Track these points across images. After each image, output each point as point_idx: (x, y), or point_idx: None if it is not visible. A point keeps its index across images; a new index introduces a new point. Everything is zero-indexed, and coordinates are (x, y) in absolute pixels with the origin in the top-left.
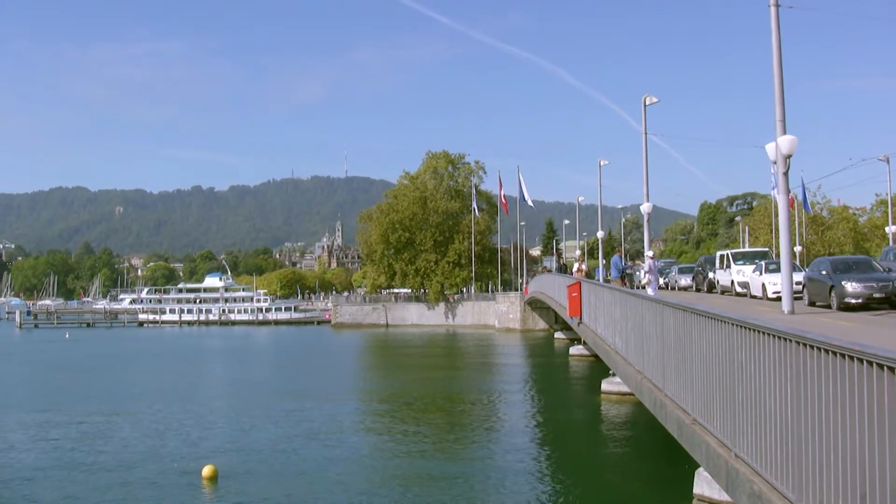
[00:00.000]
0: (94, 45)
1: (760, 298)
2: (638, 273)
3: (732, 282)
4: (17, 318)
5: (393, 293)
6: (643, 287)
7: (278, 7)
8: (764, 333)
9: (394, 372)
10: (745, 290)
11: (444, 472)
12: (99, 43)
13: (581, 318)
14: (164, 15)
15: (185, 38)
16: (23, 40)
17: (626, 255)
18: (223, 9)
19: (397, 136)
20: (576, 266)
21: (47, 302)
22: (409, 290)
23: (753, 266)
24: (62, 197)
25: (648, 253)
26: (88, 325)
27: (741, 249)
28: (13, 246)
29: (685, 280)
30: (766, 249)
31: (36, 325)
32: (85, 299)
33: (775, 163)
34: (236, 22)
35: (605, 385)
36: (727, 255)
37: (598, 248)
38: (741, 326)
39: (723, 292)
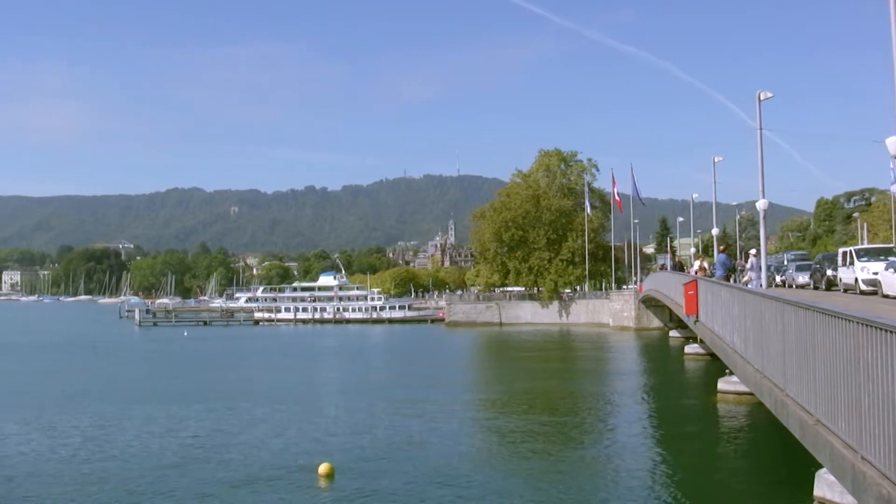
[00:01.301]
0: (208, 49)
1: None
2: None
3: (856, 279)
4: (137, 317)
5: (506, 291)
6: (745, 285)
7: (388, 8)
8: (892, 332)
9: (508, 370)
10: (871, 288)
11: (557, 470)
12: (213, 47)
13: (697, 317)
14: (275, 18)
15: (297, 41)
16: (140, 45)
17: (740, 253)
18: (334, 11)
19: (509, 133)
20: (696, 264)
21: (165, 300)
22: (523, 289)
23: (885, 263)
24: (179, 198)
25: (752, 251)
26: (205, 323)
27: (864, 246)
28: (132, 246)
29: (803, 278)
30: (892, 246)
31: (154, 324)
32: (201, 298)
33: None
34: (347, 23)
35: (722, 384)
36: (850, 251)
37: (712, 246)
38: (867, 325)
39: (845, 290)
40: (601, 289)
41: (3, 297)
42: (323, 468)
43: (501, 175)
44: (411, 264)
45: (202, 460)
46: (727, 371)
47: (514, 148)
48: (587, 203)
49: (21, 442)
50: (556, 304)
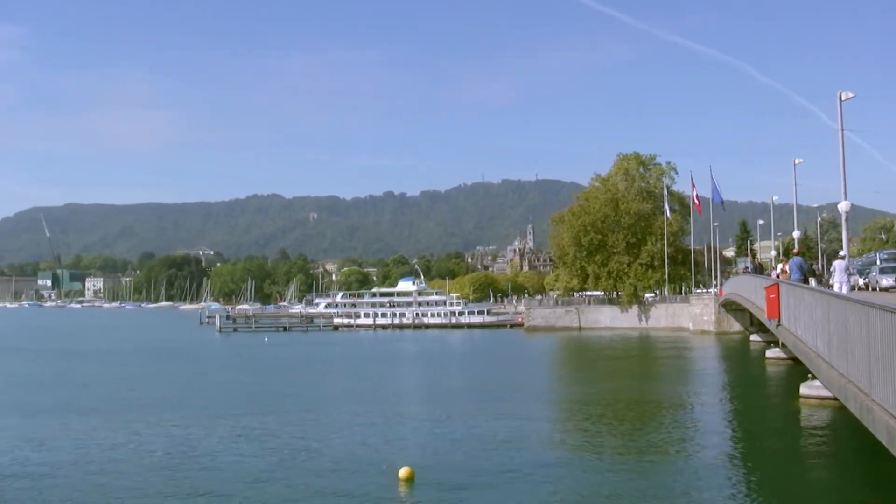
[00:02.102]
0: (287, 57)
1: None
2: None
3: None
4: (217, 323)
5: (585, 296)
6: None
7: (463, 13)
8: None
9: (587, 375)
10: None
11: (639, 470)
12: (292, 55)
13: (779, 320)
14: (352, 25)
15: (373, 48)
16: (219, 52)
17: (822, 256)
18: (410, 17)
19: (586, 137)
20: (778, 267)
21: (245, 306)
22: (602, 293)
23: None
24: (258, 204)
25: (841, 253)
26: (285, 329)
27: None
28: (212, 252)
29: (887, 280)
30: None
31: (235, 330)
32: (281, 304)
33: None
34: (423, 29)
35: (804, 389)
36: None
37: (793, 248)
38: None
39: None
40: (681, 292)
41: (86, 304)
42: (403, 472)
43: (580, 179)
44: (490, 269)
45: (285, 465)
46: (809, 375)
47: (592, 151)
48: (666, 206)
49: (109, 447)
50: (635, 308)
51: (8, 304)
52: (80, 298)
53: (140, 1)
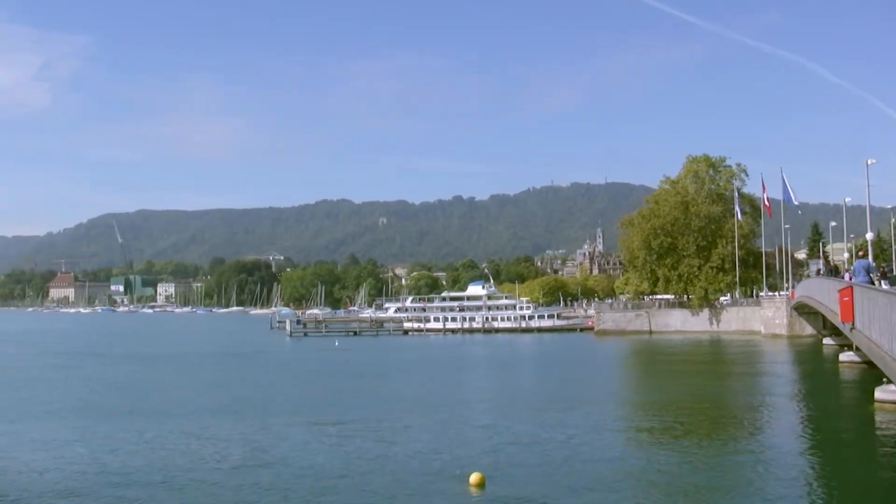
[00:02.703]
0: (356, 62)
1: None
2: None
3: None
4: (288, 327)
5: (655, 299)
6: None
7: (531, 16)
8: None
9: (659, 379)
10: None
11: (711, 477)
12: (361, 60)
13: (853, 324)
14: (418, 30)
15: (441, 52)
16: (289, 59)
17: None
18: (476, 20)
19: (655, 140)
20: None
21: (315, 311)
22: (672, 296)
23: None
24: (328, 209)
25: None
26: (355, 333)
27: None
28: (282, 257)
29: None
30: None
31: (305, 334)
32: (351, 308)
33: None
34: (490, 33)
35: (879, 393)
36: None
37: (861, 251)
38: None
39: None
40: (752, 296)
41: (158, 309)
42: (474, 477)
43: (649, 182)
44: (559, 273)
45: (356, 469)
46: (885, 380)
47: (661, 154)
48: (737, 209)
49: (184, 451)
50: (706, 311)
51: (82, 310)
52: (152, 304)
53: (207, 8)
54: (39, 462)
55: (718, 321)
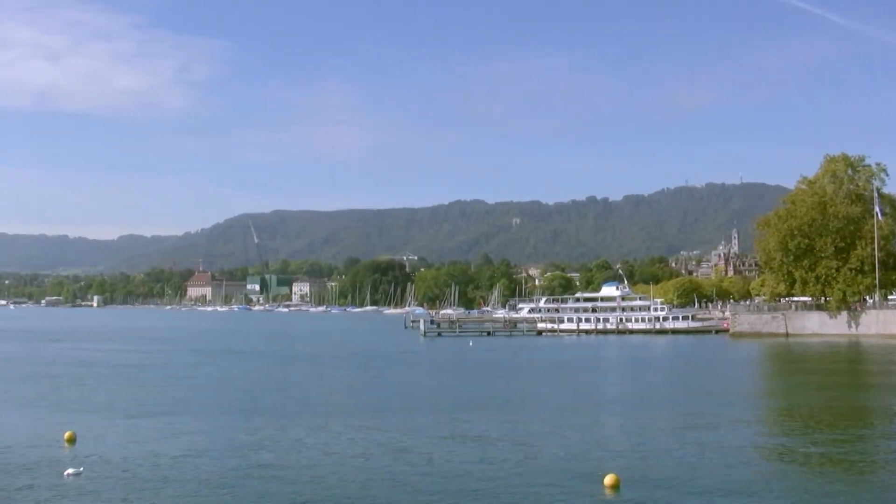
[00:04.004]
0: (486, 63)
1: None
2: None
3: None
4: (422, 327)
5: (792, 301)
6: None
7: (663, 16)
8: None
9: (796, 383)
10: None
11: (850, 485)
12: (492, 61)
13: None
14: (552, 31)
15: (573, 53)
16: (421, 61)
17: None
18: (610, 22)
19: (792, 139)
20: None
21: (449, 311)
22: (809, 298)
23: None
24: (461, 210)
25: None
26: (489, 333)
27: None
28: (416, 257)
29: None
30: None
31: (439, 334)
32: (484, 309)
33: None
34: (622, 34)
35: None
36: None
37: None
38: None
39: None
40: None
41: (293, 308)
42: (609, 479)
43: (786, 182)
44: (694, 274)
45: (492, 469)
46: None
47: (797, 154)
48: (877, 209)
49: (328, 450)
50: (844, 314)
51: (219, 308)
52: (288, 303)
53: (340, 11)
54: (189, 457)
55: (857, 324)
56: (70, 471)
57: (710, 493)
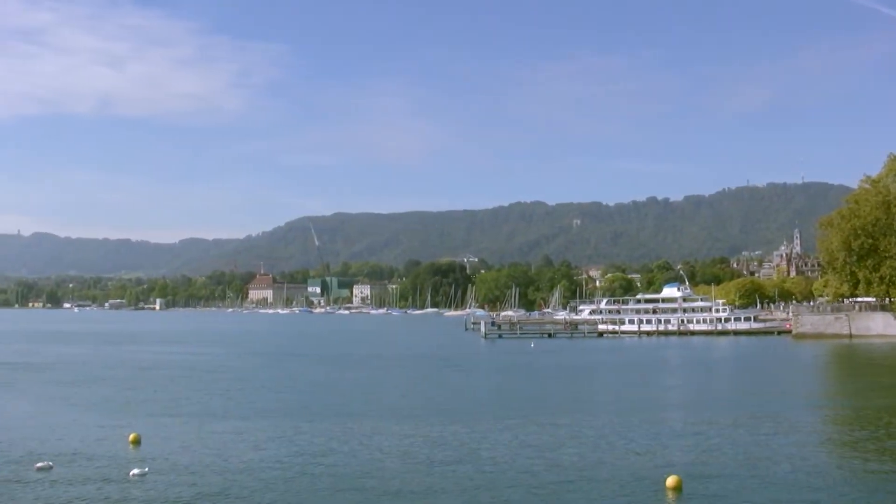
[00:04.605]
0: (545, 65)
1: None
2: None
3: None
4: (482, 329)
5: (856, 302)
6: None
7: (720, 16)
8: None
9: (860, 386)
10: None
11: None
12: (543, 62)
13: None
14: (607, 32)
15: (629, 54)
16: (479, 63)
17: None
18: (667, 22)
19: (854, 137)
20: None
21: (509, 313)
22: (874, 299)
23: None
24: (521, 211)
25: None
26: (549, 335)
27: None
28: (476, 259)
29: None
30: None
31: (500, 336)
32: (545, 310)
33: None
34: (682, 34)
35: None
36: None
37: None
38: None
39: None
40: None
41: (353, 310)
42: (671, 481)
43: (848, 181)
44: (756, 275)
45: (554, 468)
46: None
47: (860, 152)
48: None
49: (395, 452)
50: None
51: (280, 311)
52: (348, 305)
53: (396, 15)
54: (254, 459)
55: None
56: (135, 471)
57: (774, 495)
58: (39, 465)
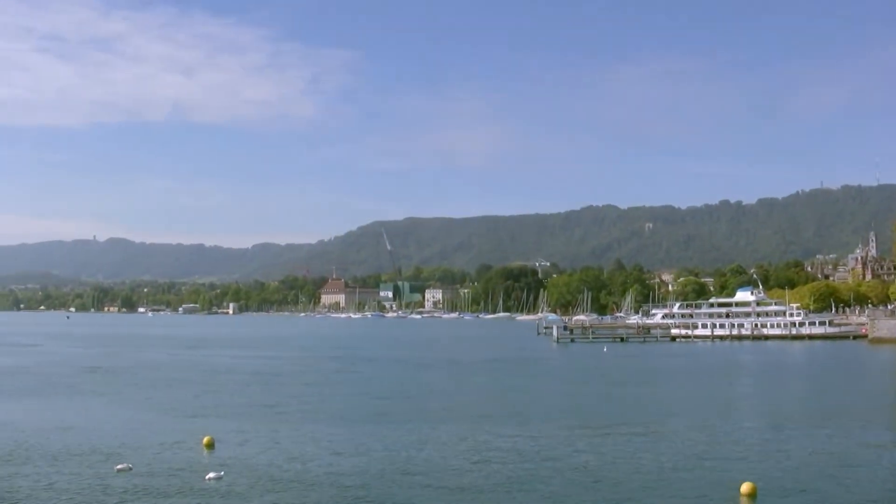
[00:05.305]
0: (610, 67)
1: None
2: None
3: None
4: (554, 333)
5: None
6: None
7: (790, 17)
8: None
9: None
10: None
11: None
12: (614, 64)
13: None
14: (680, 33)
15: (702, 56)
16: (549, 67)
17: None
18: (737, 25)
19: None
20: None
21: (582, 317)
22: None
23: None
24: (593, 215)
25: None
26: (622, 339)
27: None
28: (548, 263)
29: None
30: None
31: (572, 340)
32: (618, 314)
33: None
34: (751, 34)
35: None
36: None
37: None
38: None
39: None
40: None
41: (426, 315)
42: (746, 487)
43: None
44: (831, 278)
45: (623, 474)
46: None
47: None
48: None
49: (472, 458)
50: None
51: (352, 315)
52: (420, 309)
53: (467, 18)
54: (331, 463)
55: None
56: (211, 475)
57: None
58: (120, 466)
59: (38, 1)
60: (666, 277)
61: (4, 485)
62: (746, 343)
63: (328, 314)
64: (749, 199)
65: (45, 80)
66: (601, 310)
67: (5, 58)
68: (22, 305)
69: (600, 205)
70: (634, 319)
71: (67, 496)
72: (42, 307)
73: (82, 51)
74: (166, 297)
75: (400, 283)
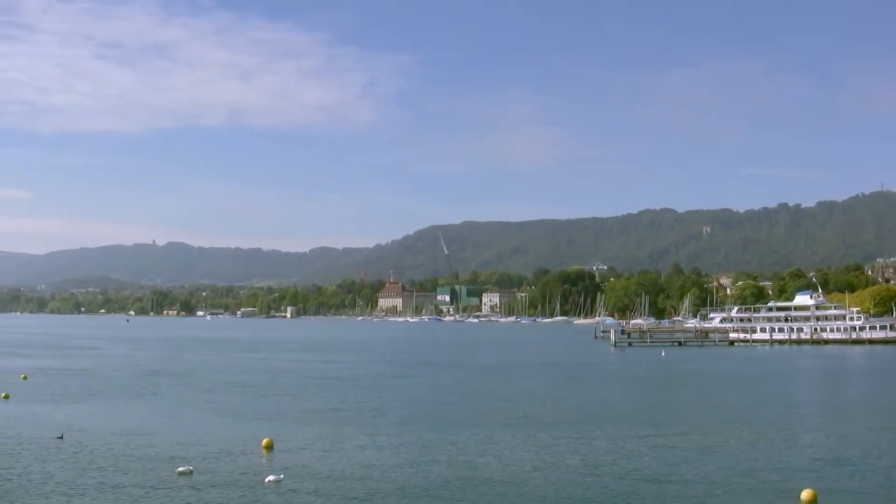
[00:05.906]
0: (666, 70)
1: None
2: None
3: None
4: (612, 337)
5: None
6: None
7: (851, 15)
8: None
9: None
10: None
11: None
12: (671, 67)
13: None
14: (735, 35)
15: (760, 59)
16: (604, 69)
17: None
18: (794, 26)
19: None
20: None
21: (639, 321)
22: None
23: None
24: (650, 219)
25: None
26: (680, 343)
27: None
28: (605, 267)
29: None
30: None
31: (630, 344)
32: (675, 318)
33: None
34: (807, 35)
35: None
36: None
37: None
38: None
39: None
40: None
41: (483, 319)
42: (806, 494)
43: None
44: (892, 282)
45: (681, 480)
46: None
47: None
48: None
49: (535, 463)
50: None
51: (410, 319)
52: (477, 313)
53: (522, 22)
54: (391, 467)
55: None
56: (271, 478)
57: None
58: (181, 469)
59: (99, 9)
60: (724, 281)
61: (70, 486)
62: (806, 347)
63: (385, 318)
64: (808, 201)
65: (105, 87)
66: (659, 314)
67: (66, 65)
68: (83, 309)
69: (657, 208)
70: (692, 323)
71: (131, 499)
72: (102, 311)
73: (141, 57)
74: (224, 300)
75: (457, 287)
